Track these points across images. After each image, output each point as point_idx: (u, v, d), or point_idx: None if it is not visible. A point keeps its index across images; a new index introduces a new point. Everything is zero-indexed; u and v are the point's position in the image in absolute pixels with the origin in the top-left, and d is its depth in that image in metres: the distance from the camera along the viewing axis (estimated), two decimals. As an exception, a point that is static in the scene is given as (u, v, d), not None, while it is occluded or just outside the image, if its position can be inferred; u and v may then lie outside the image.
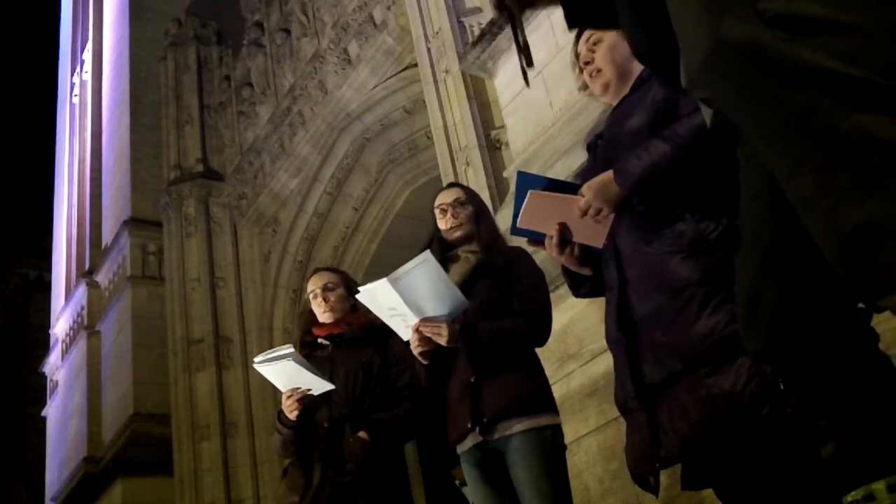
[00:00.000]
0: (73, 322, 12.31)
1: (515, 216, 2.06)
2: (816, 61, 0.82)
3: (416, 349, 2.63)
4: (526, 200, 2.01)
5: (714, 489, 1.90)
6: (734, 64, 0.89)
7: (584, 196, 1.98)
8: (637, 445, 1.88)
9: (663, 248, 1.88)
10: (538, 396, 2.65)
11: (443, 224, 2.88)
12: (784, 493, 1.75)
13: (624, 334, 1.91)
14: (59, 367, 12.59)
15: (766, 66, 0.86)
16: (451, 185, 3.07)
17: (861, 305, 1.29)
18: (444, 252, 2.84)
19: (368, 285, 2.53)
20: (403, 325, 2.61)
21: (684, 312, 1.80)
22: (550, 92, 4.92)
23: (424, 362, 2.66)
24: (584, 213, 1.97)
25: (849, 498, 1.18)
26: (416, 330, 2.58)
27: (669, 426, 1.80)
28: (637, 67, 2.15)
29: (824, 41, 0.82)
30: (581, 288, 2.18)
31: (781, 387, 1.49)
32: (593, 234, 2.02)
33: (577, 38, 2.26)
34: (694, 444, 1.77)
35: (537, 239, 2.09)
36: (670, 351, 1.81)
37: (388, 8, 8.26)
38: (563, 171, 4.58)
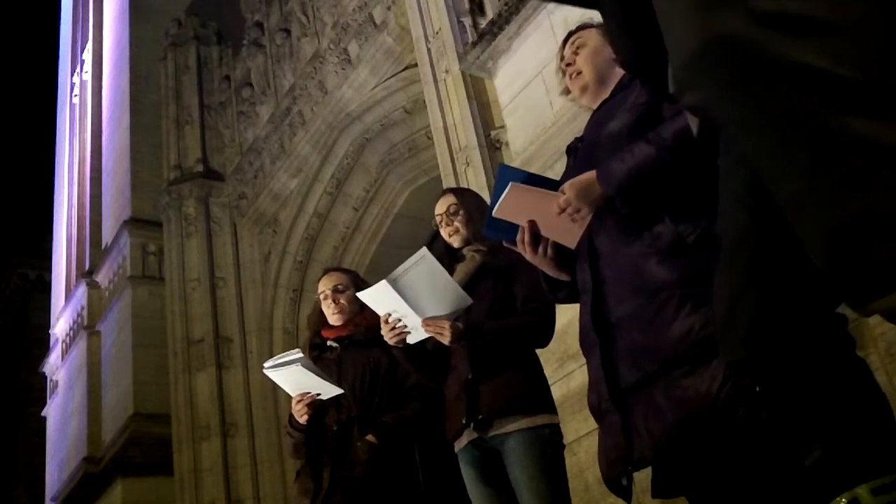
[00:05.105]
0: (73, 322, 12.31)
1: (492, 207, 2.04)
2: (807, 61, 0.80)
3: (390, 340, 2.64)
4: (506, 192, 1.97)
5: (686, 496, 1.88)
6: (722, 61, 0.87)
7: (564, 193, 1.94)
8: (611, 448, 1.86)
9: (641, 249, 1.86)
10: (535, 396, 2.64)
11: (444, 233, 2.91)
12: (757, 499, 1.73)
13: (599, 336, 1.89)
14: (59, 367, 12.59)
15: (754, 64, 0.84)
16: (445, 192, 3.06)
17: (841, 311, 1.29)
18: (453, 254, 2.86)
19: (368, 289, 2.54)
20: (405, 326, 2.60)
21: (661, 314, 1.78)
22: (550, 92, 4.91)
23: (399, 346, 2.67)
24: (563, 210, 1.93)
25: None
26: (385, 321, 2.59)
27: (644, 427, 1.78)
28: (617, 74, 2.15)
29: (815, 40, 0.80)
30: (559, 292, 2.14)
31: (757, 390, 1.49)
32: (567, 234, 1.99)
33: (564, 42, 2.26)
34: (667, 445, 1.75)
35: (510, 239, 2.07)
36: (646, 352, 1.80)
37: (388, 8, 8.26)
38: (563, 170, 4.57)
